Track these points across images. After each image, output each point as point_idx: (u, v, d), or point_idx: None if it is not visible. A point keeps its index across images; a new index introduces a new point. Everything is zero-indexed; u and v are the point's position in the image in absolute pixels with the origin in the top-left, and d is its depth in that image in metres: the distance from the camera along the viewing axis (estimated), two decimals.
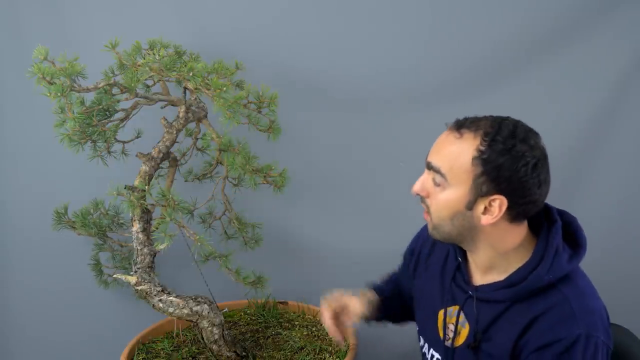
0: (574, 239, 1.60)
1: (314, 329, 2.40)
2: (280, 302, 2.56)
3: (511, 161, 1.43)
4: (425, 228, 1.87)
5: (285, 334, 2.36)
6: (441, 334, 1.71)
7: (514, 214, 1.49)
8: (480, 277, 1.64)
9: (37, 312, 2.71)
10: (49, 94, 1.94)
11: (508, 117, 1.52)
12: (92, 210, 2.37)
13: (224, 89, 1.97)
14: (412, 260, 1.91)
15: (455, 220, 1.52)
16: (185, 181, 2.44)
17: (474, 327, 1.61)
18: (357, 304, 1.84)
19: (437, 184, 1.51)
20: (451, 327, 1.67)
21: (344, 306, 1.86)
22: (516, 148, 1.43)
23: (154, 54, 2.09)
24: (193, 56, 2.34)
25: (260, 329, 2.41)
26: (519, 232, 1.55)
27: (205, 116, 2.25)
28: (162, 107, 2.28)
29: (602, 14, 2.49)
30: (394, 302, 1.96)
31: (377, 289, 2.00)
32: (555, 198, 2.61)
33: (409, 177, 2.61)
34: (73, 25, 2.49)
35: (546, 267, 1.50)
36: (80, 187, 2.46)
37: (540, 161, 1.46)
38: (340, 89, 2.58)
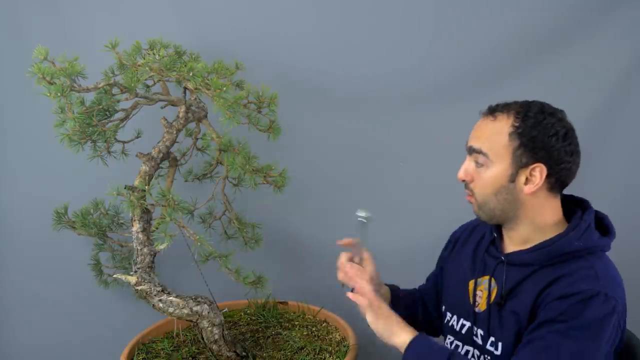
0: (604, 227, 1.74)
1: (314, 329, 2.39)
2: (280, 302, 2.55)
3: (544, 131, 1.62)
4: (466, 224, 2.04)
5: (285, 334, 2.35)
6: (471, 301, 1.84)
7: (552, 182, 1.66)
8: (513, 248, 1.77)
9: (37, 312, 2.71)
10: (49, 94, 1.93)
11: (535, 100, 1.70)
12: (92, 210, 2.37)
13: (224, 89, 1.97)
14: (449, 248, 2.05)
15: (499, 195, 1.68)
16: (185, 181, 2.45)
17: (501, 287, 1.74)
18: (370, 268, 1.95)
19: (480, 165, 1.69)
20: (479, 293, 1.81)
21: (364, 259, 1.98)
22: (546, 120, 1.63)
23: (154, 54, 2.09)
24: (193, 56, 2.34)
25: (260, 329, 2.40)
26: (556, 206, 1.72)
27: (205, 116, 2.25)
28: (162, 107, 2.28)
29: (603, 14, 2.50)
30: (402, 310, 1.98)
31: (394, 289, 2.12)
32: None
33: (409, 177, 2.65)
34: (73, 25, 2.50)
35: (577, 235, 1.65)
36: (80, 187, 2.47)
37: (569, 132, 1.66)
38: (340, 89, 2.59)
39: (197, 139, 2.38)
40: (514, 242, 1.76)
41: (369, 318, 1.76)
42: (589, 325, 1.54)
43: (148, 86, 2.27)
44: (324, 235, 2.67)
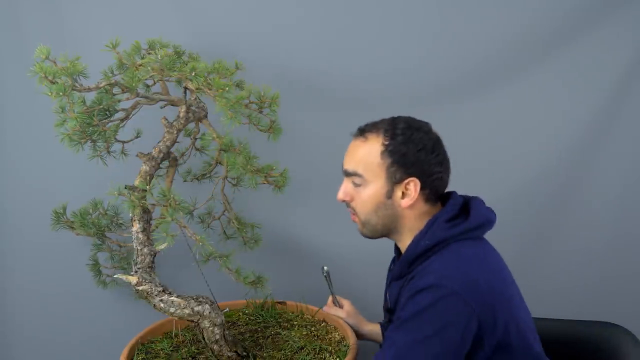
0: (467, 211, 1.79)
1: (313, 328, 2.40)
2: (279, 302, 2.55)
3: (413, 147, 1.73)
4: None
5: (284, 334, 2.35)
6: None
7: (427, 193, 1.77)
8: None
9: (36, 312, 2.70)
10: (50, 93, 1.93)
11: (399, 115, 1.82)
12: (91, 210, 2.37)
13: (227, 89, 1.97)
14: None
15: (379, 211, 1.79)
16: (184, 181, 2.45)
17: (386, 305, 1.90)
18: (349, 312, 2.31)
19: (357, 185, 1.80)
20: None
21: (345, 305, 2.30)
22: (414, 135, 1.74)
23: (155, 53, 2.08)
24: (193, 56, 2.34)
25: (259, 329, 2.40)
26: (435, 210, 1.81)
27: (206, 116, 2.25)
28: (161, 107, 2.28)
29: (604, 14, 2.52)
30: None
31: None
32: (556, 196, 2.65)
33: None
34: (72, 25, 2.50)
35: (423, 233, 1.75)
36: (79, 187, 2.48)
37: (436, 143, 1.78)
38: (339, 89, 2.60)
39: (195, 138, 2.38)
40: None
41: None
42: (419, 314, 1.61)
43: (148, 86, 2.27)
44: (323, 235, 2.72)
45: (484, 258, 1.72)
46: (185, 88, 2.19)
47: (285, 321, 2.47)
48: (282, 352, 2.23)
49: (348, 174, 1.82)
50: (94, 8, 2.51)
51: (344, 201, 1.86)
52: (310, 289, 2.60)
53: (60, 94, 1.93)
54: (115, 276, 2.19)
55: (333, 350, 2.23)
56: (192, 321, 2.11)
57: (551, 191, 2.66)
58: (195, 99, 2.24)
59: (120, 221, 2.45)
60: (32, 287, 2.68)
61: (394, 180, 1.75)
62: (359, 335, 2.26)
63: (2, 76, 2.53)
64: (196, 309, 2.09)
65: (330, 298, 2.37)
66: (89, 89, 2.02)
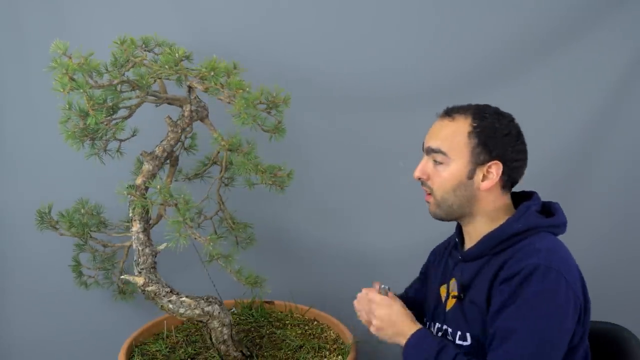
0: (551, 212, 1.84)
1: (306, 327, 2.43)
2: (267, 302, 2.57)
3: (500, 131, 1.76)
4: (444, 242, 2.12)
5: (279, 333, 2.37)
6: (443, 305, 1.91)
7: (505, 180, 1.79)
8: (470, 244, 1.86)
9: (34, 313, 2.66)
10: (62, 90, 1.87)
11: (487, 104, 1.84)
12: (82, 210, 2.30)
13: (247, 89, 1.97)
14: (428, 265, 2.15)
15: (458, 190, 1.78)
16: (175, 180, 2.41)
17: (459, 282, 1.84)
18: None
19: (439, 163, 1.80)
20: (444, 295, 1.91)
21: None
22: (501, 121, 1.78)
23: (170, 52, 2.05)
24: (186, 54, 2.32)
25: (252, 329, 2.41)
26: (508, 202, 1.84)
27: (207, 115, 2.24)
28: (156, 106, 2.25)
29: (604, 14, 2.60)
30: None
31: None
32: (557, 196, 2.73)
33: (408, 177, 2.71)
34: (72, 25, 2.49)
35: (516, 217, 1.77)
36: (67, 187, 2.44)
37: (520, 133, 1.81)
38: (339, 89, 2.63)
39: (186, 138, 2.36)
40: (472, 240, 1.86)
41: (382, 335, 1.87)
42: (534, 298, 1.62)
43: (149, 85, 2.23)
44: (315, 235, 2.73)
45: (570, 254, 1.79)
46: (189, 87, 2.17)
47: (276, 320, 2.49)
48: (282, 351, 2.25)
49: (430, 151, 1.81)
50: (94, 8, 2.48)
51: (419, 179, 1.85)
52: (296, 288, 2.63)
53: (80, 90, 1.88)
54: (122, 277, 2.15)
55: (332, 349, 2.27)
56: (201, 321, 2.10)
57: (550, 192, 2.73)
58: (195, 98, 2.22)
59: (106, 220, 2.39)
60: (26, 287, 2.63)
61: (478, 162, 1.76)
62: None
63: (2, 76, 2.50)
64: (206, 309, 2.09)
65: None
66: (102, 86, 1.97)
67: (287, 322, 2.47)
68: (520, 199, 1.87)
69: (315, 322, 2.46)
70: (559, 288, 1.64)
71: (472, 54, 2.63)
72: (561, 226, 1.81)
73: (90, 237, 2.33)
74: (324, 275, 2.68)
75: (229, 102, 2.04)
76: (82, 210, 2.31)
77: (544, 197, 2.72)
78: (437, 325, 1.93)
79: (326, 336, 2.36)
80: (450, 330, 1.86)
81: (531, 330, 1.61)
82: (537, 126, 2.72)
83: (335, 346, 2.28)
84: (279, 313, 2.54)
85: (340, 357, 2.19)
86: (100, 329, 2.66)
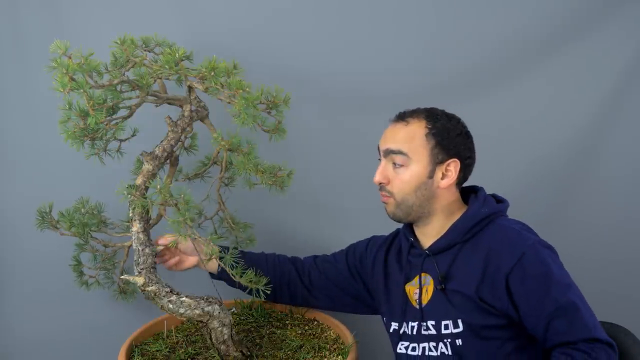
0: (497, 199, 2.02)
1: (306, 327, 2.42)
2: (267, 302, 2.56)
3: (453, 131, 1.91)
4: (372, 239, 2.26)
5: (279, 333, 2.37)
6: (413, 302, 2.00)
7: (460, 177, 1.94)
8: (431, 242, 1.99)
9: (34, 313, 2.66)
10: (62, 90, 1.88)
11: (433, 107, 1.99)
12: (82, 210, 2.30)
13: (247, 89, 1.97)
14: (368, 249, 2.26)
15: (419, 191, 1.91)
16: (175, 180, 2.41)
17: (436, 275, 1.94)
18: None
19: (399, 165, 1.91)
20: (416, 291, 1.99)
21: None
22: (452, 121, 1.93)
23: (171, 52, 2.05)
24: (186, 55, 2.32)
25: (252, 329, 2.41)
26: (459, 197, 1.99)
27: (207, 115, 2.24)
28: (156, 106, 2.24)
29: (604, 14, 2.60)
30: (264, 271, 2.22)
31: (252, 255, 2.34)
32: (554, 198, 2.74)
33: None
34: (72, 25, 2.50)
35: (480, 204, 1.93)
36: (67, 186, 2.45)
37: (468, 132, 1.97)
38: (339, 89, 2.64)
39: (186, 138, 2.36)
40: (430, 237, 1.99)
41: None
42: (553, 267, 1.80)
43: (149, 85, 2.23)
44: (315, 235, 2.73)
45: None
46: (189, 87, 2.17)
47: (276, 320, 2.48)
48: (282, 351, 2.24)
49: (390, 153, 1.93)
50: (94, 8, 2.49)
51: (380, 184, 1.96)
52: None
53: (75, 90, 1.88)
54: (122, 277, 2.15)
55: (332, 349, 2.26)
56: (201, 321, 2.10)
57: (549, 193, 2.74)
58: (195, 98, 2.22)
59: (108, 220, 2.39)
60: (27, 288, 2.63)
61: (437, 161, 1.89)
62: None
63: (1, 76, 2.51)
64: (206, 309, 2.08)
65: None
66: (102, 86, 1.97)
67: (287, 322, 2.47)
68: (464, 193, 2.03)
69: (315, 322, 2.46)
70: (550, 249, 1.86)
71: (472, 54, 2.63)
72: (506, 209, 2.00)
73: (91, 236, 2.32)
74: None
75: (229, 102, 2.04)
76: (83, 210, 2.30)
77: (544, 196, 2.74)
78: (412, 324, 1.99)
79: (326, 336, 2.35)
80: (432, 323, 1.93)
81: (573, 291, 1.78)
82: (537, 126, 2.74)
83: (335, 346, 2.28)
84: (279, 313, 2.53)
85: (340, 357, 2.19)
86: (100, 329, 2.66)
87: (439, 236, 1.97)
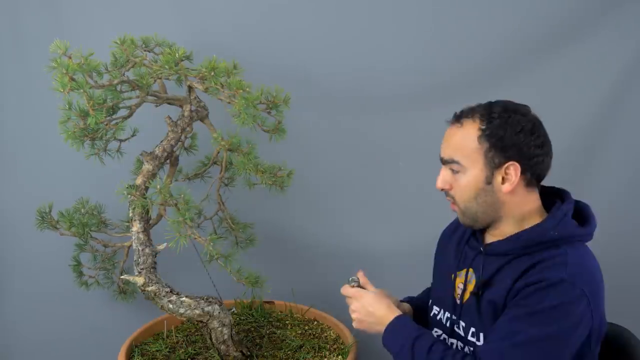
0: (584, 217, 1.78)
1: (306, 327, 2.43)
2: (267, 302, 2.57)
3: (511, 129, 1.67)
4: (453, 221, 2.05)
5: (280, 333, 2.37)
6: (456, 294, 1.87)
7: (528, 177, 1.71)
8: (493, 239, 1.81)
9: (34, 313, 2.66)
10: (62, 90, 1.88)
11: (497, 100, 1.75)
12: (82, 210, 2.31)
13: (247, 89, 1.98)
14: (437, 248, 2.08)
15: (479, 198, 1.72)
16: (175, 180, 2.42)
17: (479, 277, 1.78)
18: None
19: (455, 172, 1.73)
20: (461, 285, 1.84)
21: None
22: (511, 118, 1.68)
23: (171, 52, 2.06)
24: (186, 54, 2.32)
25: (253, 329, 2.41)
26: (535, 199, 1.76)
27: (207, 115, 2.24)
28: (156, 106, 2.24)
29: (603, 14, 2.59)
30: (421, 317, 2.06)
31: (410, 299, 2.16)
32: None
33: (408, 177, 2.71)
34: (72, 25, 2.49)
35: (553, 224, 1.69)
36: (67, 186, 2.44)
37: (536, 125, 1.71)
38: (340, 89, 2.63)
39: (186, 138, 2.36)
40: (495, 235, 1.80)
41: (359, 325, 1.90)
42: (549, 310, 1.58)
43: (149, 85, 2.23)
44: (315, 235, 2.73)
45: (597, 262, 1.75)
46: (189, 87, 2.17)
47: (276, 320, 2.49)
48: (282, 351, 2.25)
49: (445, 162, 1.76)
50: (94, 8, 2.49)
51: (443, 190, 1.79)
52: (296, 288, 2.63)
53: (75, 90, 1.88)
54: (121, 277, 2.15)
55: (332, 349, 2.27)
56: (201, 321, 2.10)
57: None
58: (195, 98, 2.22)
59: (108, 221, 2.39)
60: (27, 288, 2.64)
61: (493, 165, 1.69)
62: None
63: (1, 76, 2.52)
64: (206, 309, 2.09)
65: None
66: (102, 86, 1.97)
67: (287, 322, 2.47)
68: (549, 195, 1.81)
69: (315, 322, 2.47)
70: (577, 306, 1.60)
71: (473, 54, 2.62)
72: (592, 234, 1.77)
73: (91, 237, 2.33)
74: (324, 275, 2.67)
75: (229, 102, 2.04)
76: (83, 210, 2.31)
77: None
78: (448, 314, 1.90)
79: (326, 336, 2.36)
80: (463, 324, 1.82)
81: (534, 341, 1.59)
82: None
83: (335, 346, 2.28)
84: (279, 313, 2.54)
85: (340, 357, 2.20)
86: (100, 329, 2.67)
87: (503, 236, 1.77)
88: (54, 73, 1.87)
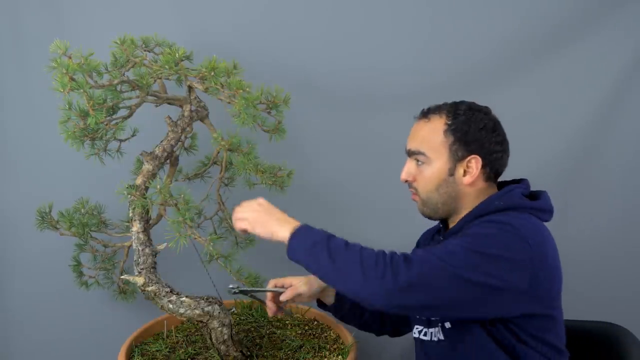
0: (536, 196, 1.87)
1: (306, 327, 2.43)
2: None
3: (474, 125, 1.81)
4: (429, 229, 2.13)
5: (280, 333, 2.37)
6: None
7: (487, 172, 1.84)
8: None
9: (34, 313, 2.66)
10: (62, 90, 1.88)
11: (462, 100, 1.88)
12: (82, 210, 2.31)
13: (247, 89, 1.98)
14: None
15: (441, 188, 1.84)
16: (175, 180, 2.42)
17: None
18: (299, 283, 2.04)
19: (420, 164, 1.85)
20: None
21: (287, 284, 2.05)
22: (475, 116, 1.82)
23: (171, 52, 2.06)
24: (186, 54, 2.32)
25: (253, 329, 2.41)
26: (491, 193, 1.86)
27: (207, 115, 2.24)
28: (156, 106, 2.24)
29: (605, 14, 2.60)
30: (347, 307, 2.12)
31: None
32: (558, 195, 2.72)
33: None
34: (72, 25, 2.51)
35: (498, 195, 1.81)
36: (67, 186, 2.44)
37: (497, 124, 1.86)
38: (340, 89, 2.65)
39: (186, 138, 2.36)
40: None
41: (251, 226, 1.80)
42: (487, 235, 1.64)
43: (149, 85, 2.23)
44: None
45: (549, 233, 1.78)
46: (189, 87, 2.17)
47: (276, 320, 2.49)
48: (282, 351, 2.25)
49: (411, 153, 1.88)
50: (94, 8, 2.50)
51: (406, 181, 1.90)
52: None
53: (76, 90, 1.88)
54: (121, 277, 2.15)
55: (332, 349, 2.27)
56: (201, 321, 2.10)
57: (550, 192, 2.75)
58: (195, 98, 2.22)
59: (106, 220, 2.39)
60: (27, 288, 2.64)
61: (456, 158, 1.82)
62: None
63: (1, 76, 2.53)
64: (206, 309, 2.08)
65: (270, 296, 2.09)
66: (102, 86, 1.97)
67: (287, 322, 2.47)
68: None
69: (315, 322, 2.46)
70: (516, 246, 1.63)
71: (473, 54, 2.63)
72: (546, 212, 1.83)
73: (91, 237, 2.33)
74: None
75: (229, 102, 2.05)
76: (83, 210, 2.31)
77: None
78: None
79: (326, 336, 2.36)
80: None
81: (464, 249, 1.61)
82: (536, 126, 2.74)
83: (335, 346, 2.28)
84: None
85: (340, 357, 2.19)
86: (100, 329, 2.67)
87: None
88: (54, 73, 1.87)
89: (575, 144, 2.71)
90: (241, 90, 1.98)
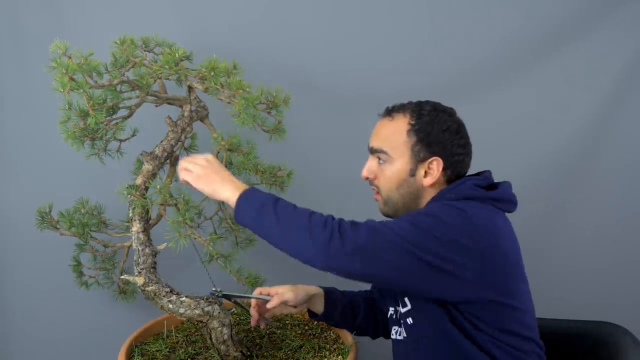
0: (494, 186, 1.85)
1: (306, 327, 2.42)
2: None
3: (437, 127, 1.80)
4: None
5: (280, 333, 2.37)
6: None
7: (448, 174, 1.83)
8: None
9: (34, 313, 2.66)
10: (62, 90, 1.88)
11: (427, 100, 1.87)
12: (82, 210, 2.31)
13: (247, 89, 1.98)
14: None
15: (402, 188, 1.84)
16: (175, 180, 2.41)
17: None
18: (284, 290, 2.06)
19: (382, 162, 1.85)
20: None
21: (272, 292, 2.06)
22: (439, 117, 1.81)
23: (171, 52, 2.06)
24: (186, 54, 2.32)
25: (252, 329, 2.41)
26: None
27: (207, 115, 2.24)
28: (156, 106, 2.24)
29: (605, 14, 2.60)
30: (339, 311, 2.14)
31: (332, 290, 2.20)
32: (555, 199, 2.74)
33: None
34: (72, 25, 2.51)
35: (449, 189, 1.81)
36: (67, 186, 2.44)
37: (461, 126, 1.85)
38: (340, 89, 2.65)
39: (186, 138, 2.36)
40: None
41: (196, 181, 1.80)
42: (437, 212, 1.67)
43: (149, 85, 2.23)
44: None
45: (507, 223, 1.79)
46: (189, 87, 2.17)
47: (276, 320, 2.48)
48: (282, 351, 2.24)
49: (374, 151, 1.88)
50: (94, 8, 2.50)
51: (367, 179, 1.90)
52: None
53: (75, 90, 1.88)
54: (121, 277, 2.15)
55: (332, 349, 2.26)
56: (201, 321, 2.10)
57: (548, 193, 2.75)
58: (195, 98, 2.22)
59: (106, 220, 2.39)
60: (27, 288, 2.64)
61: (418, 159, 1.81)
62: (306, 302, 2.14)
63: (1, 76, 2.53)
64: (206, 309, 2.08)
65: (254, 303, 2.11)
66: (102, 86, 1.97)
67: (287, 322, 2.47)
68: None
69: (315, 322, 2.46)
70: (461, 222, 1.64)
71: (472, 54, 2.63)
72: (505, 202, 1.81)
73: (91, 237, 2.33)
74: (324, 275, 2.66)
75: (229, 102, 2.05)
76: (83, 210, 2.31)
77: (544, 197, 2.71)
78: (392, 309, 1.97)
79: (326, 336, 2.35)
80: (402, 310, 1.89)
81: (416, 224, 1.63)
82: (536, 126, 2.74)
83: (335, 346, 2.28)
84: (279, 313, 2.52)
85: (340, 357, 2.19)
86: (100, 329, 2.67)
87: None
88: (54, 73, 1.87)
89: (575, 144, 2.71)
90: (241, 90, 1.98)
